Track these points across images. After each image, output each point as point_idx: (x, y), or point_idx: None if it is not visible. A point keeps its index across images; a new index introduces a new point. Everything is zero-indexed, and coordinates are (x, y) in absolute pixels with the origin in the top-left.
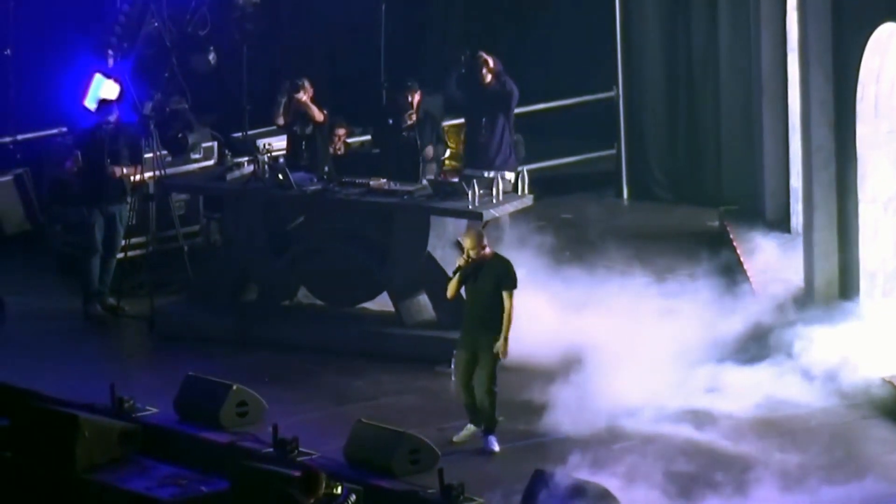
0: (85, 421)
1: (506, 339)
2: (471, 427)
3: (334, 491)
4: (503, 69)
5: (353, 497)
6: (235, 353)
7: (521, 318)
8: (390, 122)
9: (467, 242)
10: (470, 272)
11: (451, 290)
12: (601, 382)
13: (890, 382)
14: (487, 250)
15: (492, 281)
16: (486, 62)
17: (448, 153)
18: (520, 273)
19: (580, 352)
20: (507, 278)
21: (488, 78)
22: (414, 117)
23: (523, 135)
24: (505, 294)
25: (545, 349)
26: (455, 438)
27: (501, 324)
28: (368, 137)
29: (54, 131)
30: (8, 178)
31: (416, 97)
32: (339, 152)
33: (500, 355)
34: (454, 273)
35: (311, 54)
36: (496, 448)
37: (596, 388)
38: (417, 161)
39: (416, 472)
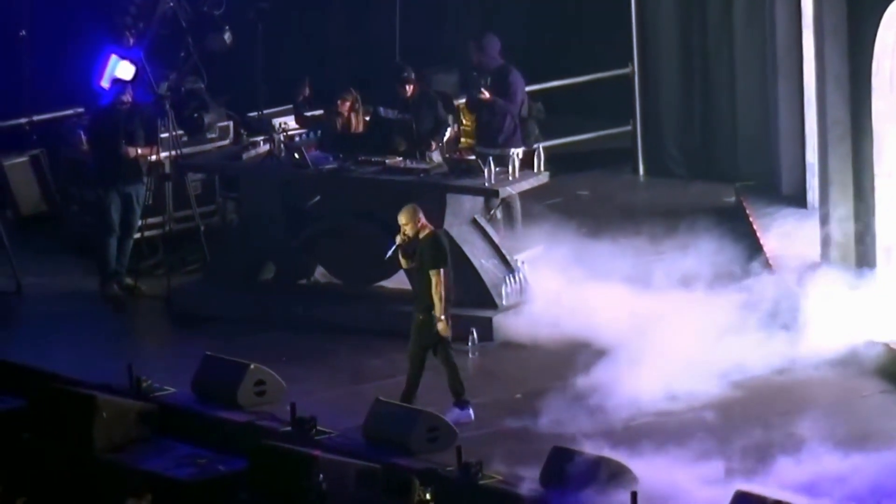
0: (103, 401)
1: (440, 318)
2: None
3: (425, 496)
4: (498, 51)
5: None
6: (252, 332)
7: (541, 294)
8: (381, 110)
9: (402, 219)
10: (410, 250)
11: (403, 264)
12: (622, 359)
13: None
14: (423, 227)
15: (421, 259)
16: (475, 46)
17: (461, 131)
18: (535, 250)
19: (597, 329)
20: (429, 258)
21: (476, 59)
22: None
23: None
24: (432, 273)
25: (563, 327)
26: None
27: (429, 300)
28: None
29: (70, 112)
30: (24, 158)
31: (410, 87)
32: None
33: (441, 334)
34: (394, 253)
35: (327, 33)
36: (470, 418)
37: (617, 365)
38: (412, 142)
39: (435, 450)
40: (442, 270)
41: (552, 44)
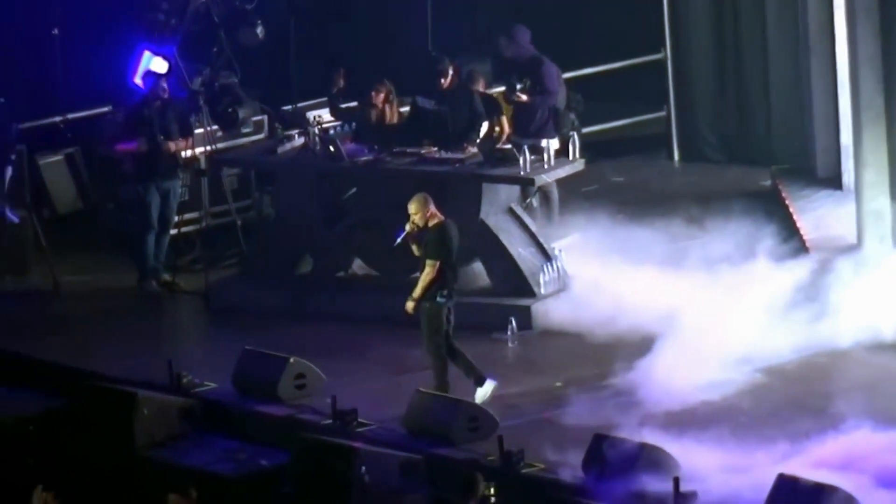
0: (144, 398)
1: (413, 298)
2: (483, 387)
3: (489, 492)
4: (529, 41)
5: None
6: (291, 325)
7: (579, 282)
8: (420, 100)
9: (411, 208)
10: (420, 238)
11: (415, 251)
12: (660, 345)
13: None
14: (432, 216)
15: (425, 248)
16: (500, 42)
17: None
18: (572, 238)
19: (635, 316)
20: (431, 247)
21: (507, 54)
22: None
23: None
24: (427, 262)
25: (601, 314)
26: (477, 398)
27: (435, 291)
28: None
29: (104, 110)
30: (59, 157)
31: (446, 79)
32: (382, 117)
33: (408, 309)
34: (403, 241)
35: (359, 25)
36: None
37: (656, 351)
38: (447, 134)
39: (476, 440)
40: (437, 263)
41: (584, 30)
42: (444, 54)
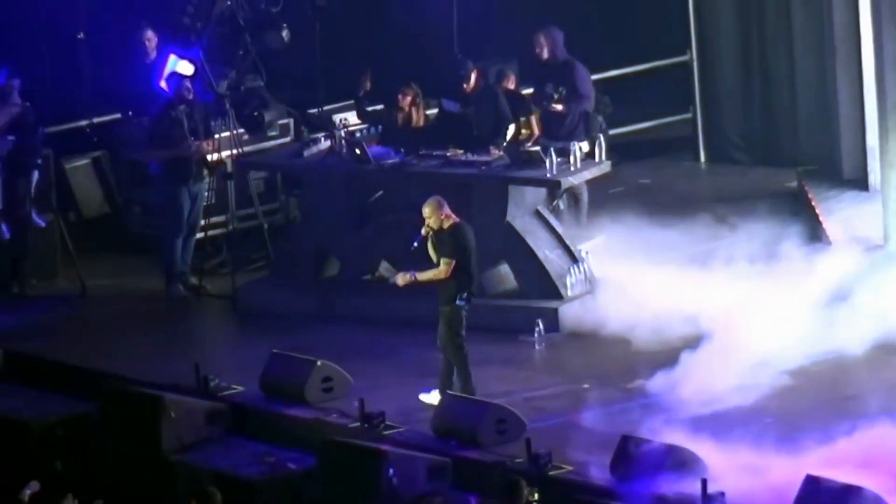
0: (171, 401)
1: (414, 278)
2: (435, 393)
3: (532, 497)
4: (562, 44)
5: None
6: (318, 328)
7: (606, 284)
8: (446, 103)
9: (425, 212)
10: (433, 242)
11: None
12: (688, 346)
13: None
14: (447, 219)
15: (440, 249)
16: (538, 41)
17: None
18: (598, 240)
19: (662, 317)
20: (446, 247)
21: (543, 55)
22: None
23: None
24: (442, 260)
25: (628, 316)
26: (421, 396)
27: (451, 296)
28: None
29: (130, 113)
30: (85, 161)
31: (471, 81)
32: (409, 120)
33: (398, 280)
34: (420, 245)
35: (384, 27)
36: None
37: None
38: (473, 137)
39: (504, 442)
40: (453, 262)
41: (610, 33)
42: (467, 58)
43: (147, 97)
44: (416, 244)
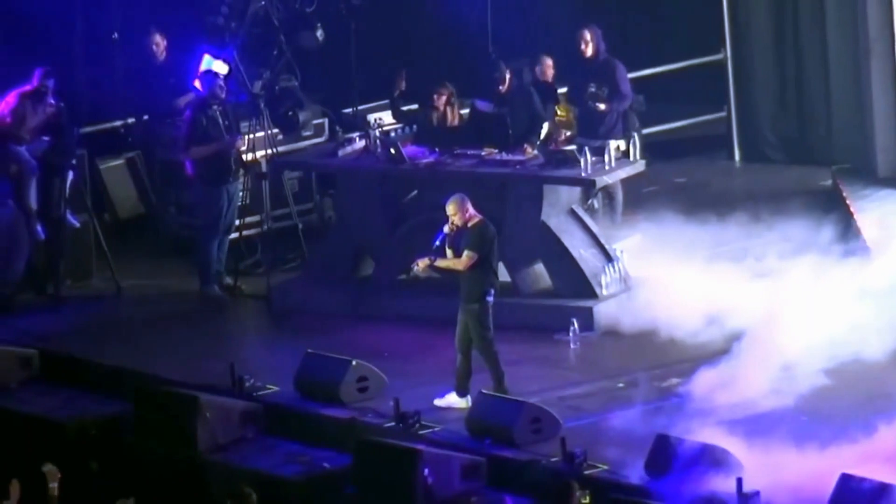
0: (206, 402)
1: (432, 264)
2: (453, 395)
3: (583, 500)
4: (603, 41)
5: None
6: (353, 328)
7: (641, 283)
8: (478, 104)
9: (449, 210)
10: (456, 239)
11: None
12: (723, 345)
13: None
14: (471, 216)
15: (465, 245)
16: (584, 37)
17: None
18: (633, 239)
19: (697, 316)
20: (471, 242)
21: (588, 52)
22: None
23: None
24: (465, 253)
25: (663, 315)
26: (436, 402)
27: (478, 292)
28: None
29: (164, 114)
30: (120, 161)
31: (505, 81)
32: (444, 120)
33: (418, 264)
34: (442, 243)
35: (418, 27)
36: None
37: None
38: (506, 137)
39: (539, 442)
40: (476, 256)
41: (644, 31)
42: (500, 58)
43: (155, 100)
44: (438, 242)
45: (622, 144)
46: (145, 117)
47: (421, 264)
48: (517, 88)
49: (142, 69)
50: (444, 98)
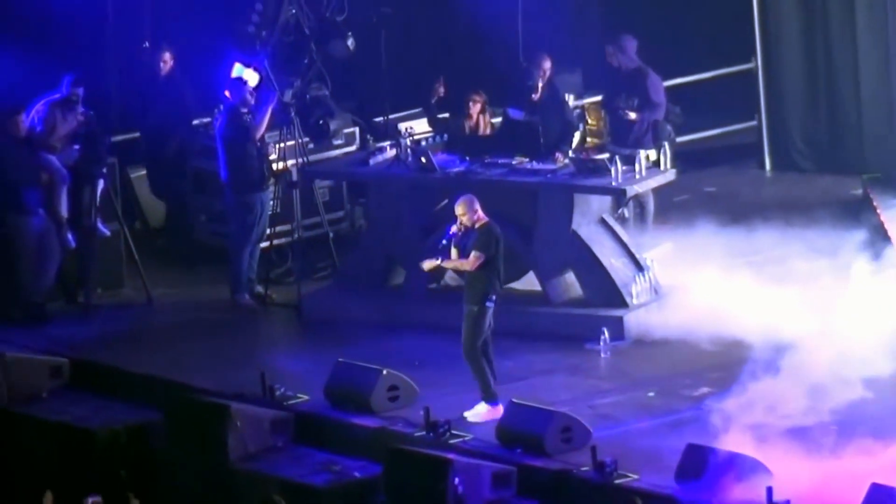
0: (237, 410)
1: (440, 264)
2: (481, 406)
3: None
4: (635, 51)
5: None
6: (384, 337)
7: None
8: (510, 112)
9: (458, 210)
10: (462, 240)
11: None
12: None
13: None
14: (479, 217)
15: (471, 246)
16: (608, 51)
17: (585, 130)
18: (664, 248)
19: (728, 325)
20: (478, 241)
21: (615, 64)
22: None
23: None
24: (472, 253)
25: (694, 324)
26: (466, 415)
27: (480, 295)
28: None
29: (195, 122)
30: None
31: (539, 90)
32: (476, 128)
33: (424, 265)
34: (448, 242)
35: (449, 35)
36: (478, 418)
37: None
38: (538, 145)
39: (569, 451)
40: (483, 257)
41: (675, 40)
42: (532, 68)
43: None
44: (445, 241)
45: (652, 154)
46: (137, 134)
47: (427, 265)
48: (549, 96)
49: (144, 84)
50: (478, 106)
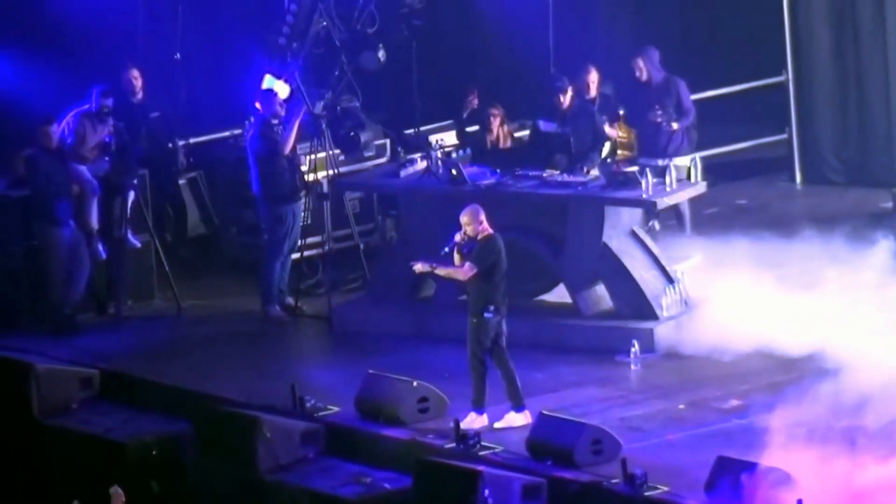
0: (267, 422)
1: (432, 270)
2: (511, 414)
3: None
4: (658, 63)
5: None
6: (414, 349)
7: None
8: (541, 124)
9: (463, 219)
10: (466, 250)
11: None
12: (784, 366)
13: None
14: (483, 228)
15: (470, 254)
16: (637, 65)
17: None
18: (694, 260)
19: (759, 338)
20: (475, 253)
21: (643, 78)
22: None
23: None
24: (467, 263)
25: (725, 336)
26: (496, 426)
27: (480, 307)
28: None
29: (226, 134)
30: (182, 181)
31: (566, 98)
32: (496, 141)
33: (416, 267)
34: (450, 249)
35: (480, 48)
36: (477, 423)
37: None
38: (569, 157)
39: (599, 463)
40: (476, 270)
41: (705, 53)
42: (563, 73)
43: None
44: (447, 248)
45: (687, 160)
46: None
47: (418, 267)
48: (580, 107)
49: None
50: (497, 119)
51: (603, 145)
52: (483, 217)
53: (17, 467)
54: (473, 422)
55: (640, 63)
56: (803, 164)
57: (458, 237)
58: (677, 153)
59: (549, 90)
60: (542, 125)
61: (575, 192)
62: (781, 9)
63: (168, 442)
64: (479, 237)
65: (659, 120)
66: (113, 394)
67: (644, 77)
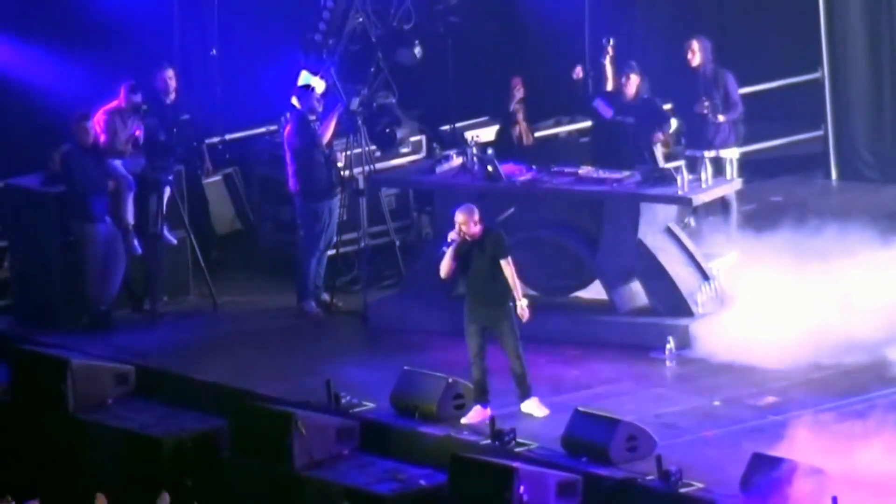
0: (302, 418)
1: (521, 300)
2: (477, 407)
3: None
4: (709, 53)
5: None
6: (450, 345)
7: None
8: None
9: (459, 218)
10: (465, 249)
11: (444, 267)
12: (820, 364)
13: None
14: (479, 227)
15: (487, 255)
16: (691, 46)
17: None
18: (730, 257)
19: (795, 336)
20: (499, 248)
21: (694, 62)
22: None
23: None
24: (503, 263)
25: (760, 334)
26: (463, 420)
27: (507, 294)
28: (578, 126)
29: (262, 130)
30: (218, 178)
31: (632, 85)
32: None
33: (522, 317)
34: (447, 248)
35: (516, 46)
36: (540, 412)
37: (815, 370)
38: (629, 148)
39: (634, 460)
40: (510, 258)
41: (742, 49)
42: (632, 61)
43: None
44: (444, 248)
45: (735, 153)
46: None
47: (523, 312)
48: (644, 100)
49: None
50: (520, 114)
51: (669, 123)
52: (477, 216)
53: (52, 462)
54: (472, 416)
55: (696, 45)
56: (839, 160)
57: (452, 235)
58: (724, 145)
59: (595, 87)
60: (599, 106)
61: (610, 188)
62: (817, 5)
63: (203, 438)
64: (483, 234)
65: (706, 111)
66: (148, 390)
67: (695, 62)
